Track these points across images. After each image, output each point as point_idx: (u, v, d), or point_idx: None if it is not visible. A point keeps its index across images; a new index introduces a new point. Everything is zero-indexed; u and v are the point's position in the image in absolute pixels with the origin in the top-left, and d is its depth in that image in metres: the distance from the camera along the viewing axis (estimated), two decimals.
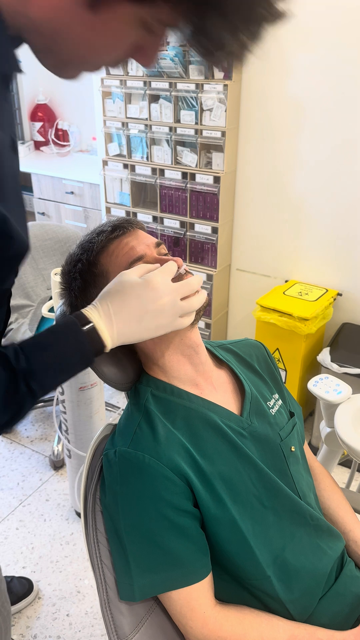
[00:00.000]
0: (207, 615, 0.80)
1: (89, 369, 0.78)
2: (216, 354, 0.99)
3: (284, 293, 2.12)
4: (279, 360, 2.10)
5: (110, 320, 0.71)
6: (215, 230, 2.21)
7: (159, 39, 0.61)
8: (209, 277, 2.29)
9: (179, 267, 0.87)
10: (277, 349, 2.08)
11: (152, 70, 2.09)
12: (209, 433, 0.85)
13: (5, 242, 0.58)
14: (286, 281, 2.27)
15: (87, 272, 0.88)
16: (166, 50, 2.00)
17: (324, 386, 1.34)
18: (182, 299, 0.77)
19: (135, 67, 2.17)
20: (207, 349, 0.97)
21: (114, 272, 0.86)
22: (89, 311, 0.71)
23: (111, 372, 0.92)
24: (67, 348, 0.68)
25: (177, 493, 0.79)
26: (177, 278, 0.87)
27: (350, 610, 0.88)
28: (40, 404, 2.34)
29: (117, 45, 0.60)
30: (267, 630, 0.82)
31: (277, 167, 2.12)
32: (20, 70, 0.61)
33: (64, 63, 0.62)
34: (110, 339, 0.70)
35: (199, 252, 2.30)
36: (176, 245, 2.34)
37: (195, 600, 0.80)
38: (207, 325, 2.39)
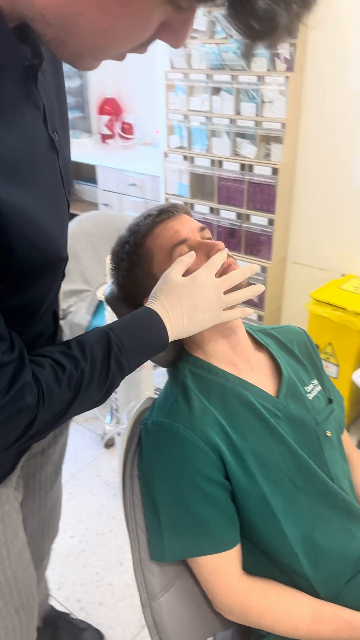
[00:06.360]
0: (232, 584, 0.84)
1: None
2: (256, 337, 1.01)
3: (339, 287, 2.09)
4: (331, 355, 2.08)
5: (169, 316, 0.79)
6: (271, 222, 2.21)
7: (189, 14, 0.52)
8: (263, 270, 2.29)
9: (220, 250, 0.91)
10: (330, 343, 2.06)
11: (214, 63, 2.11)
12: (243, 411, 0.88)
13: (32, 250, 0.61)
14: (343, 275, 2.24)
15: (133, 253, 0.93)
16: (228, 43, 2.02)
17: None
18: (225, 293, 0.83)
19: (198, 60, 2.21)
20: (247, 332, 1.00)
21: (158, 254, 0.91)
22: (155, 306, 0.79)
23: None
24: (150, 332, 0.77)
25: (208, 464, 0.83)
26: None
27: None
28: None
29: (140, 28, 0.51)
30: (291, 604, 0.84)
31: (337, 159, 2.09)
32: (31, 61, 0.58)
33: (79, 53, 0.54)
34: (170, 333, 0.79)
35: (255, 244, 2.31)
36: (232, 237, 2.36)
37: (222, 568, 0.84)
38: (260, 317, 2.39)
